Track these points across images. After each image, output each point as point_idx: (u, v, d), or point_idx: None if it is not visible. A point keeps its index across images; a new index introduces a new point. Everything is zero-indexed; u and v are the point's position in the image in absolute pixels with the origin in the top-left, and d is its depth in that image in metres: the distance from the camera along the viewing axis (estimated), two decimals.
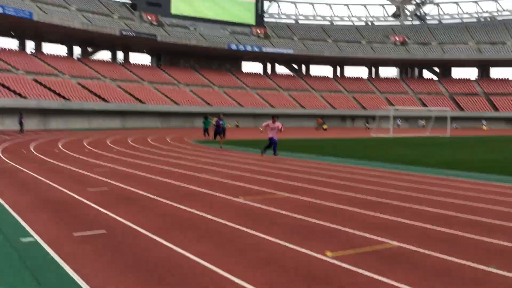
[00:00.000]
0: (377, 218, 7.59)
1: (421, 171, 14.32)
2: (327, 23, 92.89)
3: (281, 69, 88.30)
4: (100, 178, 11.97)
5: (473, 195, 9.86)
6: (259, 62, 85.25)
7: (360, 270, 4.97)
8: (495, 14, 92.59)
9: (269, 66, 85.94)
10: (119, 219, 7.35)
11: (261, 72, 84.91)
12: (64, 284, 4.53)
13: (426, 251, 5.71)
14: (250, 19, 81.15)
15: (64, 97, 50.85)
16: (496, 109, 78.35)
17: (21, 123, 38.12)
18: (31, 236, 6.31)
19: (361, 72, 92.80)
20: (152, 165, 15.17)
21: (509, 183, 11.81)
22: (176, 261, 5.29)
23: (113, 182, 11.23)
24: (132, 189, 10.29)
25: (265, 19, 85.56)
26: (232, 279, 4.69)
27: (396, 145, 27.12)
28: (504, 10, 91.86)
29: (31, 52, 61.07)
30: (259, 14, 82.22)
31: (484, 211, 8.23)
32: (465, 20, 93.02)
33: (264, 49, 75.61)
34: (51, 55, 61.94)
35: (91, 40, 63.91)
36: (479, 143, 29.90)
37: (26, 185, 10.77)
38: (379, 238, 6.28)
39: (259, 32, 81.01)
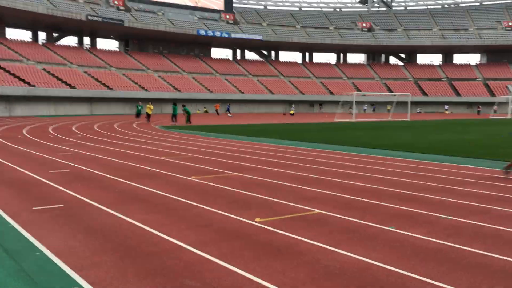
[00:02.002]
0: (311, 191, 8.52)
1: (366, 152, 15.39)
2: (296, 9, 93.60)
3: (250, 55, 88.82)
4: (62, 161, 12.57)
5: (400, 172, 10.94)
6: (228, 48, 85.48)
7: (279, 231, 5.87)
8: (459, 1, 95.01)
9: (238, 52, 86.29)
10: (76, 195, 8.08)
11: (230, 58, 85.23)
12: (21, 245, 5.28)
13: (341, 216, 6.67)
14: (219, 4, 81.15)
15: (29, 84, 50.31)
16: (458, 94, 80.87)
17: None
18: None
19: (330, 57, 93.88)
20: (114, 149, 15.79)
21: (442, 161, 12.95)
22: (122, 226, 6.08)
23: (74, 165, 11.86)
24: (92, 170, 10.97)
25: (234, 5, 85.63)
26: (167, 238, 5.53)
27: (355, 129, 28.29)
28: None
29: None
30: None
31: (404, 184, 9.27)
32: (429, 7, 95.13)
33: (233, 35, 75.86)
34: (15, 40, 60.88)
35: (57, 25, 62.96)
36: (433, 127, 31.38)
37: None
38: (306, 207, 7.21)
39: (228, 17, 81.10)
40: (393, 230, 5.98)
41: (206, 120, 40.59)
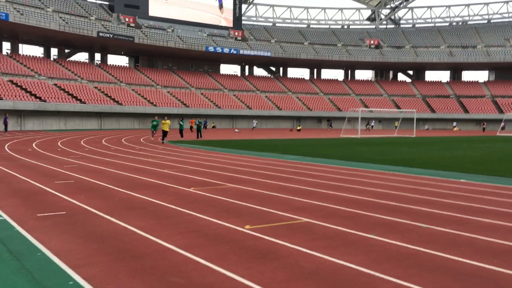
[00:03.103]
0: (301, 202, 8.90)
1: (364, 166, 15.73)
2: (304, 26, 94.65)
3: (258, 71, 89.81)
4: (68, 172, 13.06)
5: (392, 185, 11.27)
6: (237, 64, 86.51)
7: (265, 237, 6.25)
8: (466, 18, 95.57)
9: (246, 68, 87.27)
10: (79, 203, 8.52)
11: (239, 74, 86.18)
12: (25, 247, 5.71)
13: (325, 224, 7.03)
14: (228, 21, 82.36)
15: (40, 98, 51.35)
16: (466, 111, 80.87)
17: (5, 123, 40.81)
18: (0, 216, 7.44)
19: (337, 74, 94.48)
20: (120, 162, 16.28)
21: (437, 176, 13.26)
22: (119, 231, 6.50)
23: (79, 176, 12.34)
24: (96, 181, 11.43)
25: (243, 22, 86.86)
26: (161, 242, 5.93)
27: (358, 145, 28.61)
28: (475, 14, 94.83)
29: (7, 53, 61.29)
30: (237, 17, 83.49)
31: (394, 196, 9.62)
32: (437, 24, 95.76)
33: (242, 52, 76.84)
34: (27, 56, 62.24)
35: (68, 42, 64.31)
36: (437, 143, 31.60)
37: None
38: (294, 216, 7.59)
39: (236, 34, 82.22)
40: (373, 237, 6.33)
41: (213, 135, 41.11)
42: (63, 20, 61.73)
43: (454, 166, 15.91)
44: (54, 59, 65.74)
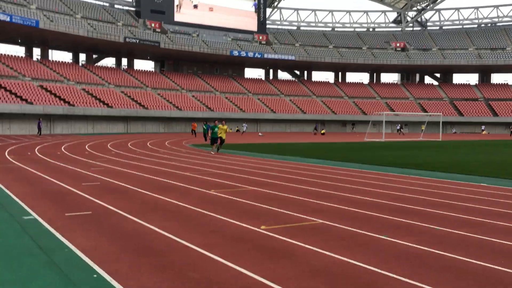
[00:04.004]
0: (318, 204, 9.11)
1: (385, 170, 15.80)
2: (329, 29, 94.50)
3: (283, 75, 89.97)
4: (95, 175, 13.56)
5: (411, 188, 11.37)
6: (261, 68, 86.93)
7: (280, 236, 6.50)
8: (495, 20, 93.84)
9: (271, 71, 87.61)
10: (104, 204, 8.93)
11: (263, 78, 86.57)
12: (53, 243, 6.10)
13: (340, 225, 7.24)
14: (253, 25, 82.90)
15: (69, 103, 52.70)
16: (495, 114, 79.40)
17: (39, 127, 43.18)
18: (31, 215, 7.90)
19: (362, 77, 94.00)
20: (144, 165, 16.75)
21: (458, 180, 13.27)
22: (143, 231, 6.85)
23: (105, 178, 12.81)
24: (121, 183, 11.86)
25: (267, 26, 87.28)
26: (180, 241, 6.25)
27: (382, 149, 28.54)
28: (504, 16, 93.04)
29: (37, 59, 63.09)
30: (261, 21, 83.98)
31: (411, 199, 9.73)
32: (465, 26, 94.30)
33: (266, 55, 77.22)
34: (57, 61, 63.94)
35: (96, 47, 65.83)
36: (463, 147, 31.26)
37: (29, 180, 12.38)
38: (310, 217, 7.81)
39: (261, 38, 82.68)
40: (386, 238, 6.51)
41: (237, 138, 41.50)
42: (91, 26, 63.22)
43: (476, 170, 15.84)
44: (82, 65, 67.34)
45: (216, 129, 23.60)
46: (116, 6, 74.05)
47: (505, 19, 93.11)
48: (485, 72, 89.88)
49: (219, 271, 5.04)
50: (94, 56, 70.40)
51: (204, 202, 9.24)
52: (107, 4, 72.94)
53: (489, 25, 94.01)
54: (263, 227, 7.09)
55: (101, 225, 7.19)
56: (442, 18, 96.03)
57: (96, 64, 70.33)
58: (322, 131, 56.85)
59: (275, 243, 6.17)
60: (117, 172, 14.33)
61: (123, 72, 69.16)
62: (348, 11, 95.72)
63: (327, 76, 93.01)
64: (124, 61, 73.10)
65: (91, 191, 10.46)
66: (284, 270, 5.07)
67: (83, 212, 8.14)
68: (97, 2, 71.84)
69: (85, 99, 55.28)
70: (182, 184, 11.83)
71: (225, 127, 24.31)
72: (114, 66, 71.85)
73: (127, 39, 62.57)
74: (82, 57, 69.33)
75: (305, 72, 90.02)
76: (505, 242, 6.37)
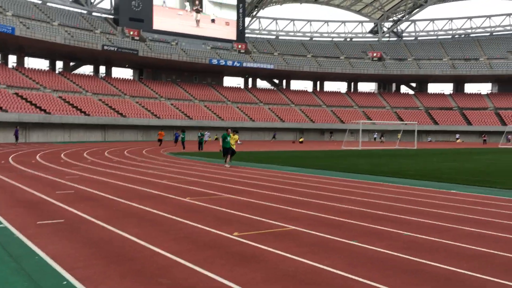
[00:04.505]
0: (293, 211, 9.22)
1: (361, 178, 16.03)
2: (307, 39, 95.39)
3: (261, 84, 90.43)
4: (69, 183, 13.44)
5: (384, 195, 11.58)
6: (240, 76, 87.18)
7: (251, 242, 6.58)
8: (469, 31, 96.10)
9: (250, 80, 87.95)
10: (78, 212, 8.88)
11: (242, 86, 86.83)
12: (24, 251, 6.07)
13: (312, 232, 7.36)
14: (232, 34, 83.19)
15: (45, 111, 51.99)
16: (469, 123, 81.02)
17: (16, 135, 42.51)
18: (1, 223, 7.82)
19: (340, 86, 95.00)
20: (120, 173, 16.65)
21: (430, 187, 13.56)
22: (115, 238, 6.85)
23: (80, 187, 12.71)
24: (96, 191, 11.79)
25: (246, 35, 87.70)
26: (152, 248, 6.28)
27: (358, 157, 28.90)
28: (477, 27, 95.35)
29: (13, 66, 62.16)
30: (240, 30, 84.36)
31: (383, 206, 9.92)
32: (440, 37, 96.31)
33: (245, 64, 77.49)
34: (33, 69, 63.09)
35: (73, 55, 65.16)
36: (437, 155, 31.85)
37: (2, 189, 12.21)
38: (283, 224, 7.91)
39: (240, 47, 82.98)
40: (356, 243, 6.65)
41: (215, 147, 41.49)
42: (69, 33, 62.64)
43: (448, 177, 16.18)
44: (59, 72, 66.58)
45: (228, 138, 21.31)
46: (94, 13, 73.54)
47: (478, 30, 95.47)
48: (459, 82, 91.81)
49: (189, 276, 5.09)
50: (72, 63, 69.70)
51: (179, 210, 9.27)
52: (85, 12, 72.38)
53: (463, 36, 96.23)
54: (236, 233, 7.16)
55: (73, 233, 7.16)
56: (417, 29, 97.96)
57: (73, 71, 69.60)
58: (301, 139, 57.24)
59: (247, 249, 6.24)
60: (93, 181, 14.23)
61: (101, 80, 68.60)
62: (326, 21, 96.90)
63: (306, 85, 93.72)
64: (102, 69, 72.52)
65: (65, 199, 10.39)
66: (254, 275, 5.15)
67: (55, 220, 8.09)
68: (75, 10, 71.24)
69: (62, 107, 54.62)
70: (158, 192, 11.82)
71: (236, 137, 22.42)
72: (92, 73, 71.25)
73: (105, 47, 62.14)
74: (59, 64, 68.57)
75: (284, 81, 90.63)
76: (470, 246, 6.57)
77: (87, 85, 63.75)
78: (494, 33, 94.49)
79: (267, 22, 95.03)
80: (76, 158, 24.06)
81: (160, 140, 43.07)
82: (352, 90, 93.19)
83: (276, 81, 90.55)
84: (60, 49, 60.47)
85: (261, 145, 47.81)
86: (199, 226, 7.71)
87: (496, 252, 6.28)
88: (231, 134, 21.77)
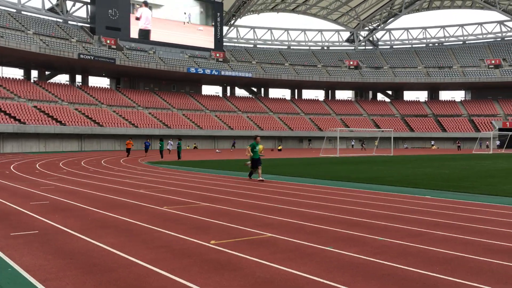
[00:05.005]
0: (270, 219, 9.27)
1: (337, 184, 16.19)
2: (285, 47, 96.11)
3: (240, 92, 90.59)
4: (44, 194, 13.25)
5: (359, 202, 11.72)
6: (219, 85, 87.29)
7: (228, 250, 6.60)
8: (442, 40, 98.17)
9: (228, 88, 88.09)
10: (52, 223, 8.77)
11: (220, 95, 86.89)
12: None
13: (288, 238, 7.41)
14: (210, 43, 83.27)
15: (19, 121, 51.14)
16: (444, 129, 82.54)
17: None
18: None
19: (318, 94, 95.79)
20: (97, 183, 16.48)
21: (405, 193, 13.78)
22: (90, 248, 6.79)
23: (55, 197, 12.54)
24: (71, 202, 11.65)
25: (224, 43, 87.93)
26: (128, 257, 6.24)
27: (335, 164, 29.15)
28: (450, 36, 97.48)
29: None
30: (218, 38, 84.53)
31: (358, 212, 10.05)
32: (414, 46, 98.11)
33: (223, 73, 77.65)
34: (7, 78, 62.07)
35: (49, 64, 64.38)
36: (413, 162, 32.35)
37: None
38: (260, 232, 7.95)
39: (218, 56, 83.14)
40: (331, 249, 6.72)
41: (194, 155, 41.33)
42: (44, 42, 61.86)
43: (422, 183, 16.46)
44: (34, 81, 65.64)
45: (257, 147, 18.63)
46: (70, 22, 72.84)
47: (451, 39, 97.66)
48: (433, 90, 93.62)
49: (166, 285, 5.08)
50: (47, 72, 68.80)
51: (155, 219, 9.23)
52: (61, 21, 71.64)
53: (437, 44, 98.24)
54: (212, 241, 7.17)
55: (47, 244, 7.08)
56: (392, 38, 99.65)
57: (49, 81, 68.71)
58: (279, 147, 57.47)
59: (223, 257, 6.26)
60: (68, 191, 14.05)
61: (77, 89, 67.83)
62: (303, 30, 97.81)
63: (284, 93, 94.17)
64: (79, 78, 71.78)
65: (39, 210, 10.24)
66: (229, 282, 5.17)
67: (29, 231, 7.97)
68: (51, 18, 70.44)
69: (37, 117, 53.80)
70: (134, 202, 11.74)
71: (261, 146, 19.47)
72: (67, 82, 70.41)
73: (81, 56, 61.56)
74: (34, 73, 67.63)
75: (262, 89, 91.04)
76: (442, 250, 6.71)
77: (63, 94, 62.97)
78: (467, 42, 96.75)
79: (245, 31, 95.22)
80: (52, 169, 23.71)
81: (128, 150, 39.57)
82: (329, 98, 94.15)
83: (255, 89, 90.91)
84: (35, 58, 59.71)
85: (241, 153, 47.81)
86: (176, 235, 7.70)
87: (468, 255, 6.43)
88: (252, 146, 18.75)
